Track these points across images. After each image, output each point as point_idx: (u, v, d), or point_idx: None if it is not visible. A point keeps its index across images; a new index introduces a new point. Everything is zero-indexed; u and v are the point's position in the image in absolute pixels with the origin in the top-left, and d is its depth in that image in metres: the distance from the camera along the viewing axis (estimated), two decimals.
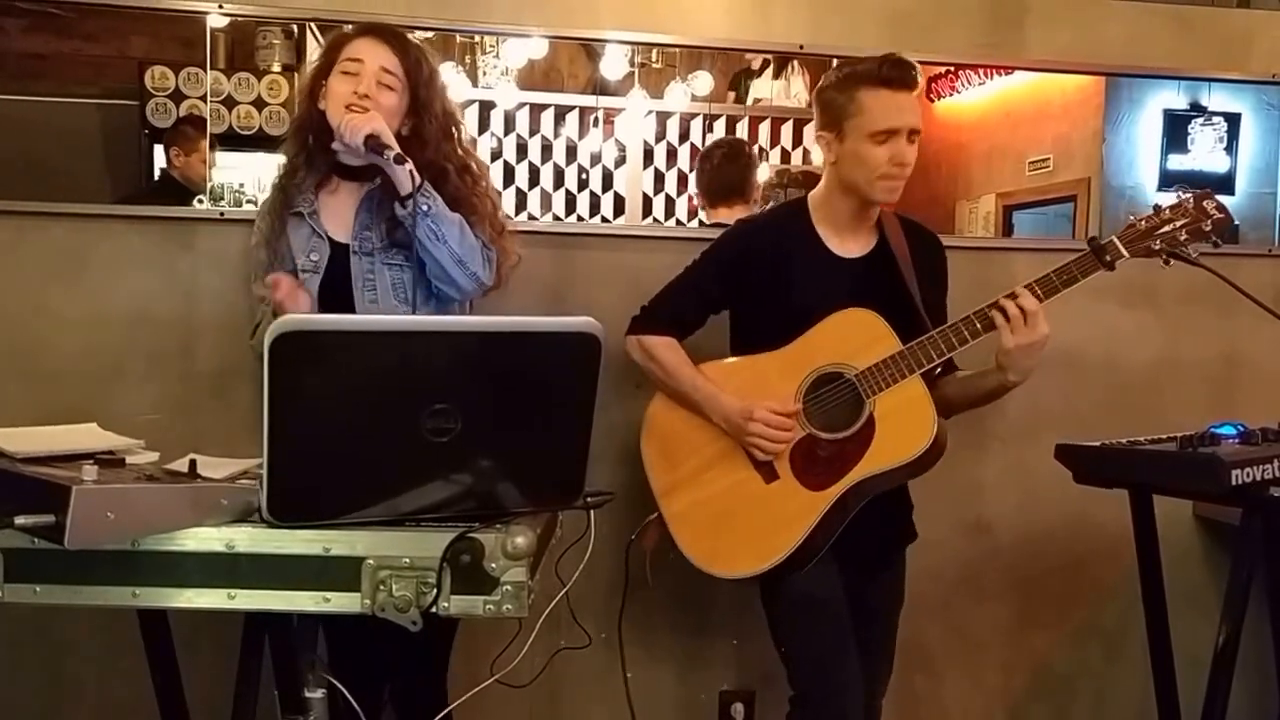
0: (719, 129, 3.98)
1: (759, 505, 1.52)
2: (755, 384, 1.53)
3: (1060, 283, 1.45)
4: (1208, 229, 1.45)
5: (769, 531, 1.50)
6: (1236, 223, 3.77)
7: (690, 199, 3.91)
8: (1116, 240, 1.45)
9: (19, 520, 0.96)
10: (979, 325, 1.46)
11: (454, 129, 1.53)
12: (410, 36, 1.53)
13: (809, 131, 3.66)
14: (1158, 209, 1.47)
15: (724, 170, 2.48)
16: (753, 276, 1.57)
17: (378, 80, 1.45)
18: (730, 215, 2.40)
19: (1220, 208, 1.46)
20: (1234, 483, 1.45)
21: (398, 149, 1.40)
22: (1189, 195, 1.47)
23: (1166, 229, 1.45)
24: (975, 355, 1.52)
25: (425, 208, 1.39)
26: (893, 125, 1.48)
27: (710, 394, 1.55)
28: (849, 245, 1.58)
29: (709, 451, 1.56)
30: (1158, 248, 1.45)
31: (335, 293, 1.48)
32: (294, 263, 1.50)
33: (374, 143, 1.40)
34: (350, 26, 1.54)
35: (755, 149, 2.65)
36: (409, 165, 1.39)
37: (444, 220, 1.42)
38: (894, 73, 1.48)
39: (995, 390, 1.51)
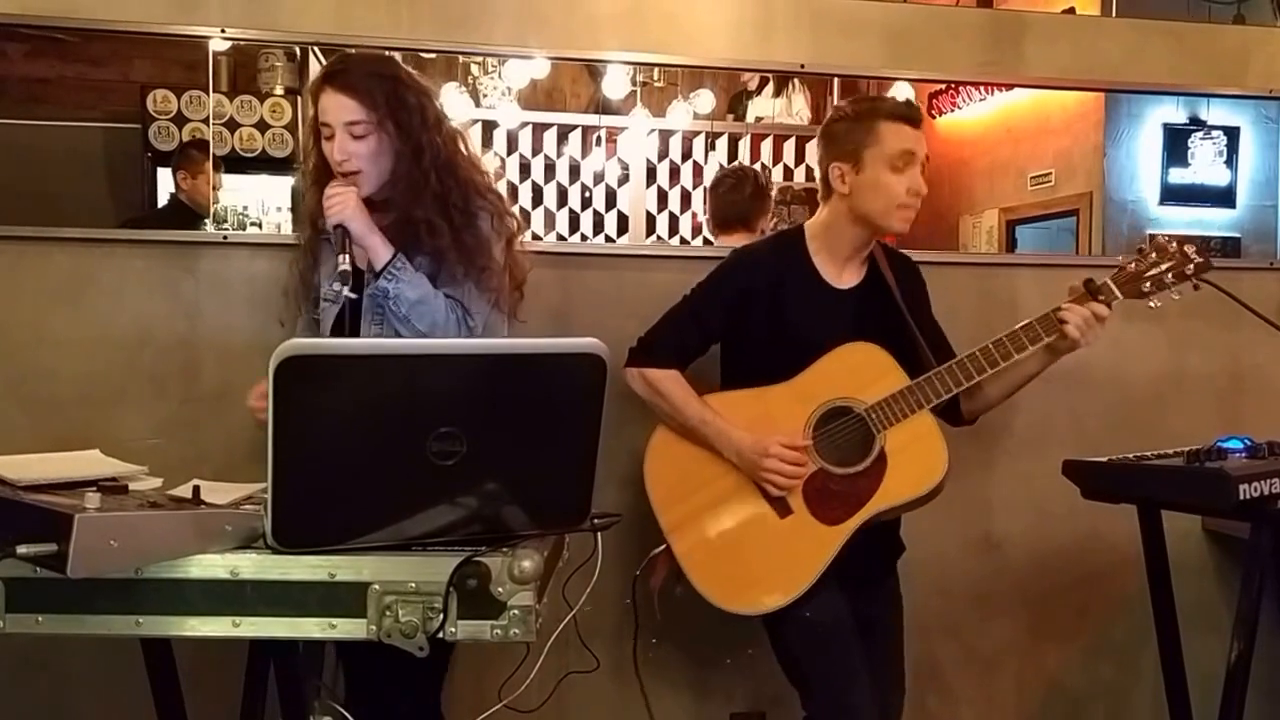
0: (721, 147, 4.00)
1: (775, 540, 1.52)
2: (763, 417, 1.53)
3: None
4: (1189, 273, 1.52)
5: (787, 566, 1.51)
6: (1238, 236, 3.81)
7: (694, 217, 3.93)
8: (1111, 284, 1.52)
9: (21, 549, 0.94)
10: (984, 363, 1.50)
11: (455, 149, 1.49)
12: (371, 68, 1.47)
13: (811, 148, 3.68)
14: (1141, 251, 1.55)
15: (729, 200, 2.51)
16: (751, 309, 1.58)
17: (350, 136, 1.43)
18: (733, 242, 2.41)
19: (1201, 252, 1.54)
20: (1241, 497, 1.44)
21: (347, 265, 1.40)
22: (1170, 239, 1.55)
23: (1154, 272, 1.52)
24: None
25: (386, 291, 1.41)
26: (911, 148, 1.54)
27: (720, 429, 1.54)
28: (844, 276, 1.60)
29: (719, 486, 1.55)
30: (1147, 289, 1.52)
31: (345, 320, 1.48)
32: (318, 291, 1.52)
33: (338, 234, 1.41)
34: (319, 72, 1.51)
35: (765, 177, 2.66)
36: (348, 289, 1.40)
37: (405, 301, 1.41)
38: (912, 112, 1.58)
39: (1037, 371, 1.57)
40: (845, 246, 1.59)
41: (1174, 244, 1.54)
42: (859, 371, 1.52)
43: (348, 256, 1.41)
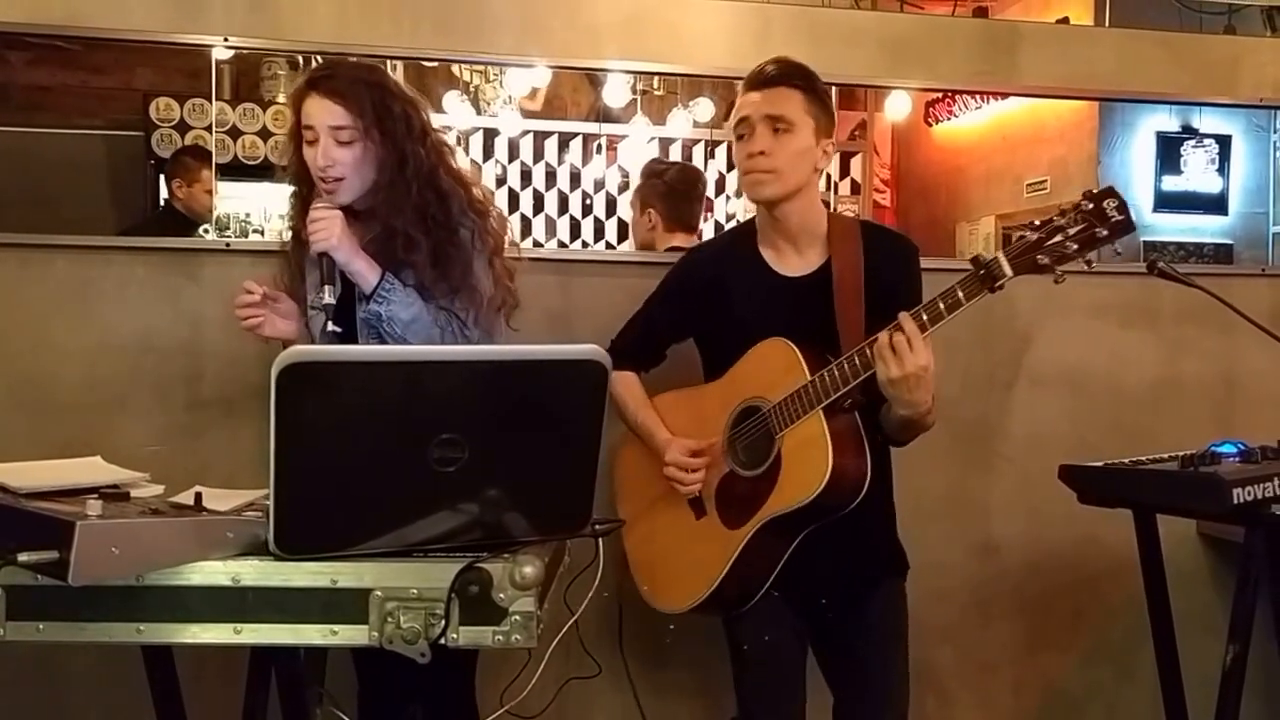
0: (720, 154, 4.02)
1: (688, 542, 1.51)
2: (696, 417, 1.53)
3: (945, 307, 1.31)
4: (1103, 235, 1.25)
5: (694, 569, 1.49)
6: (1230, 243, 3.84)
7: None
8: (1001, 258, 1.27)
9: (22, 557, 0.95)
10: (870, 355, 1.34)
11: (439, 162, 1.46)
12: (358, 74, 1.44)
13: None
14: (1060, 213, 1.28)
15: (687, 202, 2.47)
16: (699, 304, 1.55)
17: (334, 142, 1.41)
18: (679, 243, 2.39)
19: (1121, 208, 1.25)
20: (1235, 501, 1.44)
21: (331, 298, 1.41)
22: (1088, 197, 1.27)
23: (1055, 240, 1.25)
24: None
25: (379, 314, 1.41)
26: (741, 115, 1.47)
27: (647, 430, 1.55)
28: (792, 264, 1.51)
29: (658, 486, 1.55)
30: (1044, 263, 1.25)
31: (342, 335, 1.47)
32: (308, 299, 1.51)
33: (324, 263, 1.41)
34: (302, 77, 1.50)
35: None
36: (332, 323, 1.41)
37: (399, 322, 1.41)
38: (757, 76, 1.48)
39: (902, 423, 1.39)
40: (771, 231, 1.51)
41: (1090, 203, 1.25)
42: (769, 368, 1.44)
43: (331, 289, 1.41)
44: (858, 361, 1.36)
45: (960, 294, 1.31)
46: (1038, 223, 1.28)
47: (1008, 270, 1.27)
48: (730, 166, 4.02)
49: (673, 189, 2.48)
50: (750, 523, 1.43)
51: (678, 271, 1.62)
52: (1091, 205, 1.26)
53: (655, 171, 2.64)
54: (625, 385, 1.60)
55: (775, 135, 1.44)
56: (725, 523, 1.47)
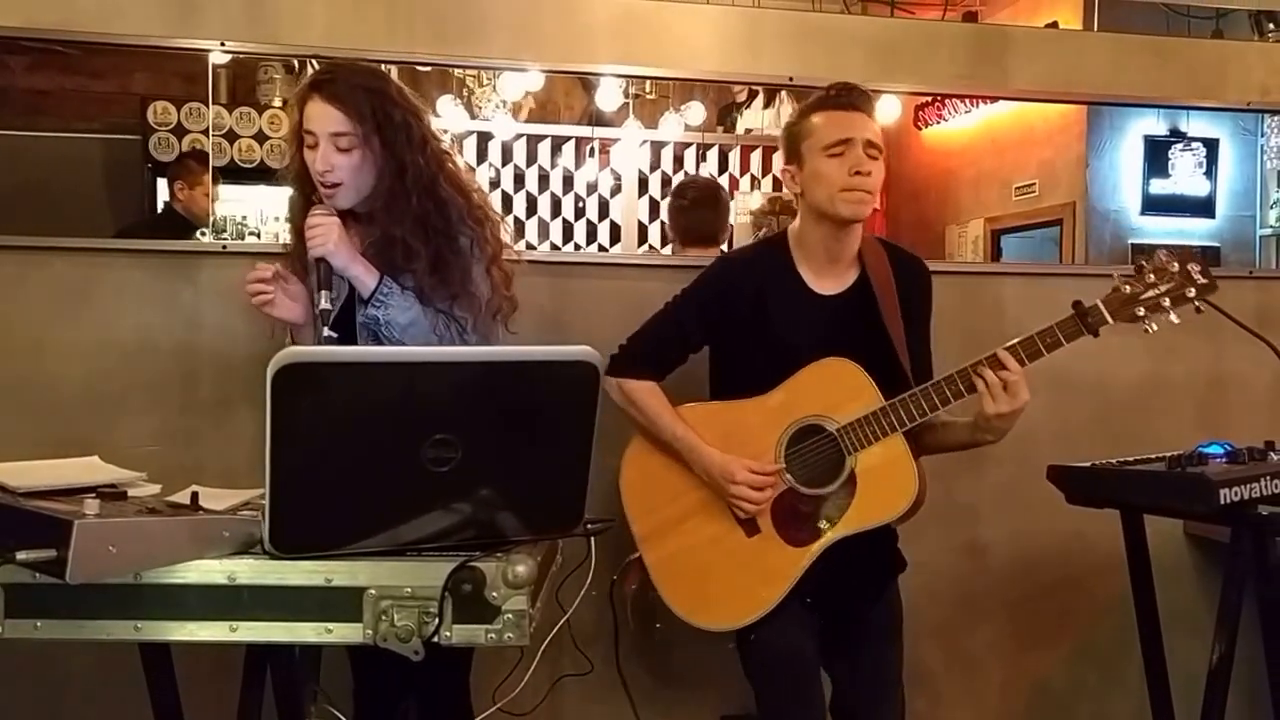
0: (711, 158, 4.04)
1: (741, 559, 1.50)
2: (736, 433, 1.51)
3: (1044, 346, 1.43)
4: (1191, 295, 1.41)
5: (751, 586, 1.49)
6: (1217, 246, 3.87)
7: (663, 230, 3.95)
8: (1102, 307, 1.43)
9: (20, 555, 0.96)
10: (962, 386, 1.43)
11: (439, 170, 1.46)
12: (360, 80, 1.44)
13: None
14: (1140, 269, 1.43)
15: (699, 215, 2.48)
16: (732, 315, 1.56)
17: (334, 147, 1.41)
18: (702, 255, 2.39)
19: (1204, 272, 1.42)
20: (1222, 502, 1.46)
21: (327, 304, 1.40)
22: (1173, 257, 1.43)
23: (1150, 295, 1.42)
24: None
25: (377, 319, 1.41)
26: (844, 135, 1.49)
27: (691, 445, 1.52)
28: (828, 282, 1.56)
29: (689, 499, 1.54)
30: (1141, 314, 1.42)
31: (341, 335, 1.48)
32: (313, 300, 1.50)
33: (321, 268, 1.41)
34: (306, 79, 1.50)
35: (724, 191, 2.64)
36: (328, 329, 1.41)
37: (396, 326, 1.42)
38: (841, 96, 1.53)
39: (970, 444, 1.52)
40: (819, 250, 1.54)
41: (1175, 264, 1.42)
42: (833, 388, 1.47)
43: (327, 294, 1.41)
44: (947, 391, 1.44)
45: (1060, 335, 1.43)
46: (1126, 276, 1.43)
47: (1109, 318, 1.43)
48: (722, 169, 4.05)
49: (688, 205, 2.49)
50: (821, 540, 1.47)
51: (713, 280, 1.60)
52: (1178, 267, 1.42)
53: (675, 191, 2.64)
54: (654, 397, 1.56)
55: (870, 160, 1.50)
56: (788, 540, 1.48)
